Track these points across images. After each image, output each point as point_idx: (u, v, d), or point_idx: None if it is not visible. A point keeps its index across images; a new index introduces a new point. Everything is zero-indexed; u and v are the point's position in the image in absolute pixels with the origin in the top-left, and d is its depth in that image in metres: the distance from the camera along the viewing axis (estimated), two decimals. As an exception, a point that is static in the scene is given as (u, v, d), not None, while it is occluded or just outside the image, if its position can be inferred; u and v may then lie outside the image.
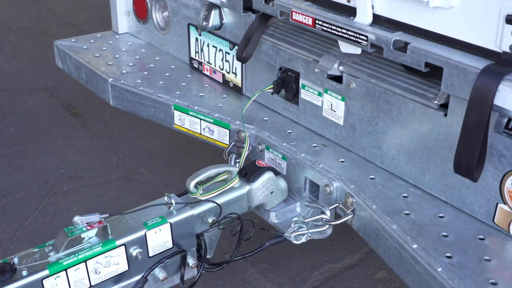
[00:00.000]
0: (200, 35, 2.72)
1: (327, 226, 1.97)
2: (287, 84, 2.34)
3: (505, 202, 1.69)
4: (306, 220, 1.98)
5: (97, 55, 3.01)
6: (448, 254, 1.66)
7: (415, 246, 1.69)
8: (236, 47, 2.49)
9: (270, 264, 3.08)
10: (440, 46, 1.75)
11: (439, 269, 1.60)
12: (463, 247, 1.70)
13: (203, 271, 1.96)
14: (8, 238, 3.25)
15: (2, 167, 3.91)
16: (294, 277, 3.01)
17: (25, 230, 3.31)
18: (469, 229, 1.77)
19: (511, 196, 1.67)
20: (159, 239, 1.85)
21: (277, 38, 2.35)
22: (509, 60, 1.57)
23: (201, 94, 2.60)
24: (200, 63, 2.78)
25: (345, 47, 2.00)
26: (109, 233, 1.77)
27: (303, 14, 2.05)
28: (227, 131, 2.36)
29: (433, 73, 1.77)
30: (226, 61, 2.61)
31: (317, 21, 2.02)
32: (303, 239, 1.98)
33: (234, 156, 2.23)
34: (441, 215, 1.84)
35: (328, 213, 1.95)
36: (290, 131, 2.31)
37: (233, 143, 2.31)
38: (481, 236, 1.74)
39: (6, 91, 4.95)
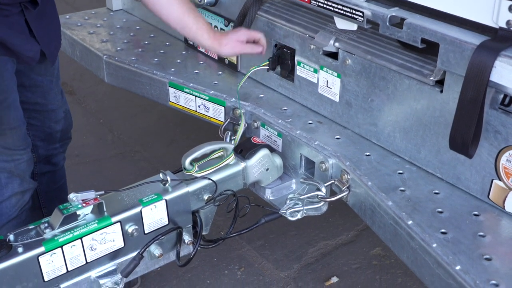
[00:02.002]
0: (195, 11, 2.69)
1: (322, 202, 1.97)
2: (283, 61, 2.33)
3: (500, 178, 1.70)
4: (301, 197, 1.99)
5: (92, 32, 2.99)
6: (443, 230, 1.66)
7: (410, 222, 1.70)
8: (231, 24, 2.47)
9: (266, 241, 3.09)
10: (436, 22, 1.74)
11: (434, 245, 1.61)
12: (458, 223, 1.70)
13: (198, 248, 1.97)
14: (3, 215, 3.25)
15: (-3, 145, 3.90)
16: (290, 254, 3.02)
17: (21, 208, 3.31)
18: (464, 205, 1.78)
19: (506, 172, 1.67)
20: (155, 216, 1.85)
21: (272, 15, 2.33)
22: (506, 35, 1.56)
23: (196, 71, 2.59)
24: (195, 40, 2.76)
25: (341, 23, 1.99)
26: (105, 210, 1.77)
27: (298, -10, 2.04)
28: (223, 108, 2.35)
29: (429, 49, 1.76)
30: (221, 37, 2.59)
31: (312, -3, 2.00)
32: (299, 216, 1.99)
33: (229, 133, 2.23)
34: (436, 191, 1.84)
35: (323, 189, 1.96)
36: (285, 108, 2.30)
37: (228, 120, 2.31)
38: (476, 212, 1.75)
39: None
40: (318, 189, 1.96)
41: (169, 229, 1.90)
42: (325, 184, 1.96)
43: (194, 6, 2.17)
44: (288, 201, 2.01)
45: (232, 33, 2.22)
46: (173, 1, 2.09)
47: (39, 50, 2.03)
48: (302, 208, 1.98)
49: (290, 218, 1.98)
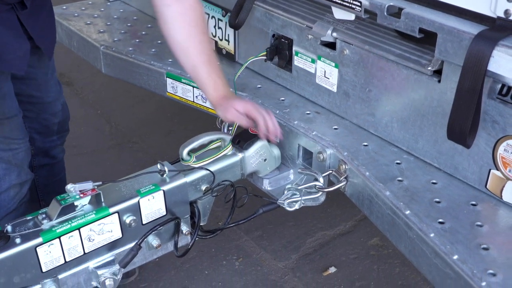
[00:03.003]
0: (192, 1, 2.68)
1: (320, 193, 1.97)
2: (280, 51, 2.32)
3: (497, 168, 1.70)
4: (299, 187, 1.99)
5: (89, 22, 2.98)
6: (440, 220, 1.66)
7: (407, 212, 1.70)
8: (228, 14, 2.47)
9: (264, 232, 3.10)
10: (434, 11, 1.74)
11: (432, 235, 1.61)
12: (456, 213, 1.70)
13: (196, 238, 1.97)
14: (1, 207, 3.25)
15: (-6, 136, 3.90)
16: (288, 244, 3.03)
17: (19, 199, 3.30)
18: (462, 195, 1.78)
19: (504, 162, 1.67)
20: (153, 206, 1.85)
21: (270, 5, 2.32)
22: (504, 25, 1.56)
23: (194, 61, 2.58)
24: (192, 30, 2.75)
25: (339, 13, 1.99)
26: (102, 200, 1.77)
27: (296, -20, 2.03)
28: (220, 98, 2.34)
29: (427, 39, 1.76)
30: (219, 28, 2.59)
31: (310, -13, 2.00)
32: (296, 206, 1.99)
33: (227, 124, 2.22)
34: (434, 181, 1.84)
35: (321, 180, 1.96)
36: (283, 98, 2.30)
37: (226, 110, 2.31)
38: (473, 202, 1.75)
39: (-3, 60, 4.90)
40: (316, 180, 1.96)
41: (167, 219, 1.90)
42: (323, 175, 1.96)
43: (213, 53, 2.06)
44: (286, 192, 2.01)
45: (235, 100, 2.04)
46: (191, 45, 2.00)
47: (28, 49, 2.00)
48: (300, 198, 1.98)
49: (288, 209, 1.99)
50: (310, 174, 2.01)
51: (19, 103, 2.18)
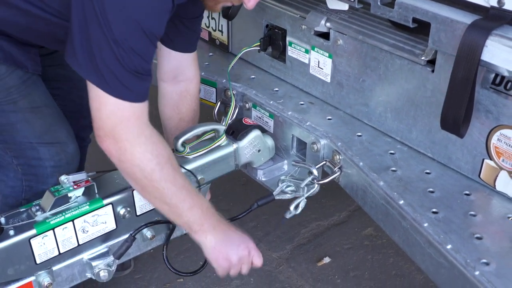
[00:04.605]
0: (185, -8, 2.67)
1: (316, 185, 1.97)
2: (274, 42, 2.32)
3: (491, 158, 1.70)
4: (301, 186, 1.96)
5: (81, 13, 2.96)
6: (434, 210, 1.67)
7: (401, 202, 1.70)
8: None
9: (258, 222, 3.10)
10: (427, 1, 1.73)
11: (425, 225, 1.61)
12: (449, 202, 1.71)
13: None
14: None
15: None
16: (282, 235, 3.03)
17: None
18: (455, 185, 1.78)
19: (497, 151, 1.67)
20: (147, 197, 1.85)
21: (263, -5, 2.32)
22: (497, 15, 1.56)
23: (187, 52, 2.57)
24: (185, 21, 2.74)
25: (332, 3, 1.98)
26: (96, 192, 1.77)
27: (289, -30, 2.02)
28: (214, 89, 2.34)
29: (421, 28, 1.76)
30: (212, 18, 2.58)
31: (303, -23, 1.99)
32: (301, 207, 1.98)
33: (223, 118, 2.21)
34: (427, 171, 1.84)
35: (315, 172, 1.95)
36: (277, 89, 2.30)
37: (220, 102, 2.31)
38: (467, 192, 1.75)
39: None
40: (311, 173, 1.95)
41: (159, 220, 1.89)
42: (317, 166, 1.96)
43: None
44: (280, 183, 2.00)
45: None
46: (168, 125, 2.22)
47: (37, 52, 1.95)
48: (302, 198, 1.96)
49: (294, 212, 1.98)
50: (304, 167, 2.00)
51: (47, 82, 2.08)
